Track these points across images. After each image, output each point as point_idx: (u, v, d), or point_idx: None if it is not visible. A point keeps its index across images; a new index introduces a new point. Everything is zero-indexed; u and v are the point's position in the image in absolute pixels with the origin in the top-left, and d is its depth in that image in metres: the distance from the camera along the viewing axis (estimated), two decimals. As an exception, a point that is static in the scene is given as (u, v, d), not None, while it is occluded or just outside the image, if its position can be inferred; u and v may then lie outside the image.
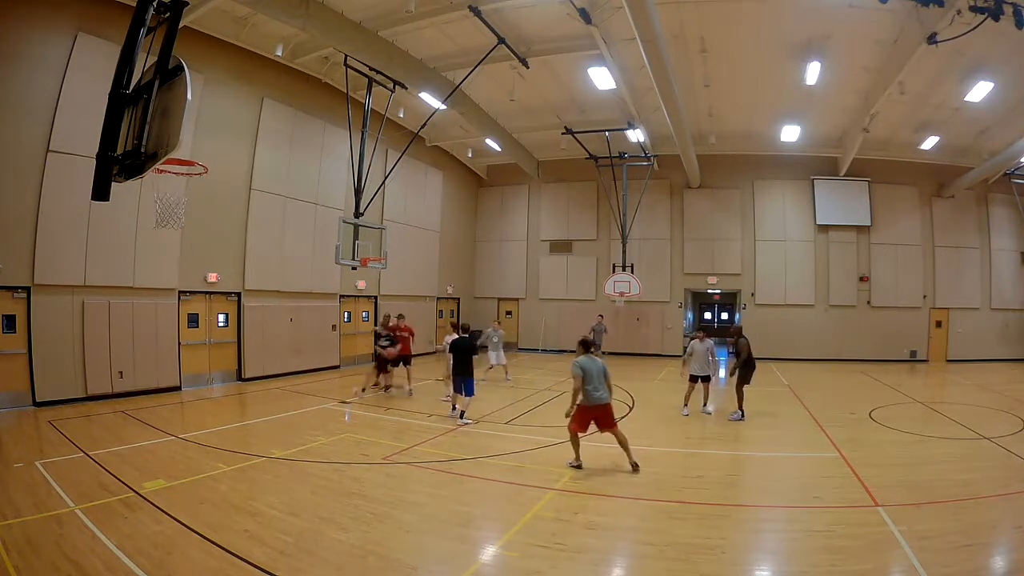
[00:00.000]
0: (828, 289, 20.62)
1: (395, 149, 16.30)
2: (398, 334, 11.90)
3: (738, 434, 9.16)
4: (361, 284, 17.25)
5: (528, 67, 13.54)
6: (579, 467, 6.87)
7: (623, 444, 6.88)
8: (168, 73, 4.45)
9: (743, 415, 9.96)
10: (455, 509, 5.62)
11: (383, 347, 11.66)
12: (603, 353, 16.74)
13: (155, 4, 4.50)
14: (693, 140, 18.00)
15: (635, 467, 6.76)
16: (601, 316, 17.92)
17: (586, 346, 7.13)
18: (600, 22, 11.52)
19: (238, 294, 13.40)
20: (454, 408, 9.57)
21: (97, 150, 4.27)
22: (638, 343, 21.46)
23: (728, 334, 10.41)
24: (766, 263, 21.05)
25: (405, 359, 12.02)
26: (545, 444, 8.03)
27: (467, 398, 9.45)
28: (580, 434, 6.95)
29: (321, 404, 10.87)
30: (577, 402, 6.84)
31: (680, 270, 21.79)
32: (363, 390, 11.66)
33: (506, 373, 14.28)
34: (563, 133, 18.13)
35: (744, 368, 10.09)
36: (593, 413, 6.83)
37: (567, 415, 6.88)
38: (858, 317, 20.41)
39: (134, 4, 4.49)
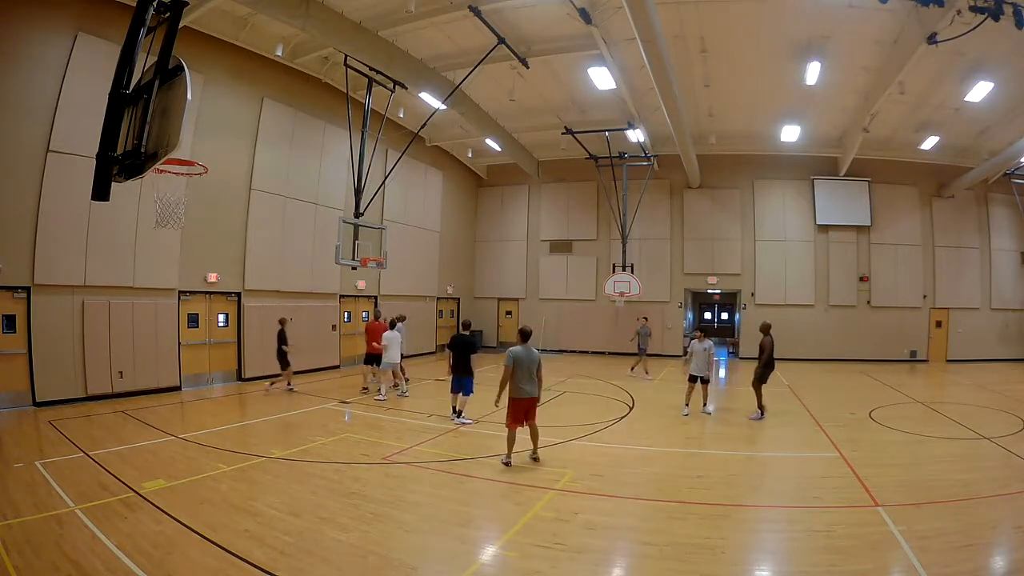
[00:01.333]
0: (828, 289, 20.62)
1: (395, 149, 16.30)
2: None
3: (738, 434, 9.16)
4: (361, 284, 17.25)
5: (528, 67, 13.54)
6: (509, 464, 6.93)
7: (534, 436, 7.21)
8: (168, 73, 4.44)
9: (763, 414, 9.98)
10: (455, 509, 5.62)
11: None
12: (648, 355, 16.26)
13: (155, 4, 4.49)
14: (693, 140, 18.00)
15: (536, 459, 7.16)
16: (646, 318, 17.09)
17: (524, 336, 7.18)
18: (600, 22, 11.53)
19: (238, 294, 13.40)
20: (454, 410, 9.54)
21: (97, 150, 4.27)
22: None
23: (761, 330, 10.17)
24: (766, 263, 21.05)
25: (374, 359, 11.89)
26: (545, 444, 8.01)
27: (464, 397, 9.43)
28: (517, 429, 7.05)
29: (321, 404, 10.87)
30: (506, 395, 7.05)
31: (680, 270, 21.79)
32: (364, 389, 11.79)
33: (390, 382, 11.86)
34: (563, 133, 18.12)
35: (764, 367, 9.97)
36: (524, 406, 7.02)
37: (496, 403, 7.15)
38: (858, 317, 20.42)
39: (134, 4, 4.49)
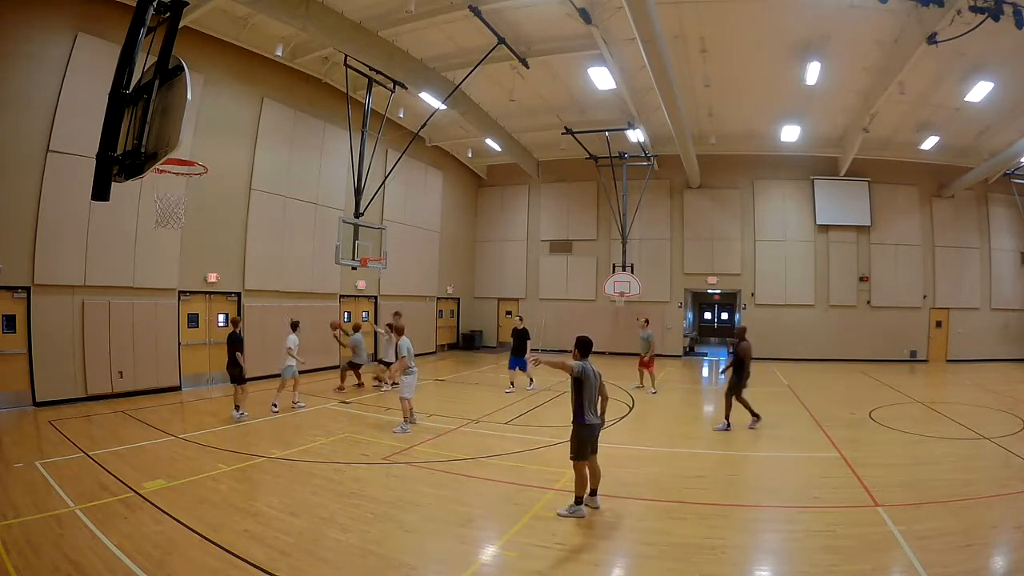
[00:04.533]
0: (828, 289, 20.62)
1: (395, 149, 16.30)
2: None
3: (738, 434, 9.15)
4: (361, 284, 17.25)
5: (528, 67, 13.54)
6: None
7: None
8: (168, 73, 4.44)
9: (728, 425, 9.22)
10: (455, 509, 5.61)
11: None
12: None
13: (155, 4, 4.48)
14: (693, 140, 18.00)
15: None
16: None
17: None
18: (600, 22, 11.53)
19: (238, 294, 13.40)
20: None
21: (97, 150, 4.27)
22: (638, 343, 21.39)
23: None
24: (766, 263, 21.05)
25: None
26: (545, 444, 8.03)
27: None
28: None
29: (321, 404, 10.86)
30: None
31: (680, 270, 21.79)
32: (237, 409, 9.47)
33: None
34: (563, 133, 18.12)
35: (738, 375, 9.23)
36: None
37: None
38: (858, 317, 20.41)
39: (134, 4, 4.48)
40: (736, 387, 9.26)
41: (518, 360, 12.60)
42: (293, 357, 10.03)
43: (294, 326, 10.41)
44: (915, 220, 20.35)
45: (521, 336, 12.80)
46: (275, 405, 10.04)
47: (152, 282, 11.47)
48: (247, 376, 9.62)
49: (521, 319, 13.84)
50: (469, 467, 7.00)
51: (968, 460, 7.46)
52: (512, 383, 12.83)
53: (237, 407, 9.43)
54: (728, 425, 9.21)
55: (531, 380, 12.92)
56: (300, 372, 10.41)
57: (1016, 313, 20.14)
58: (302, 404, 10.46)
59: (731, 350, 9.81)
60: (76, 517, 4.99)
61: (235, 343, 9.40)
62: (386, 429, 9.00)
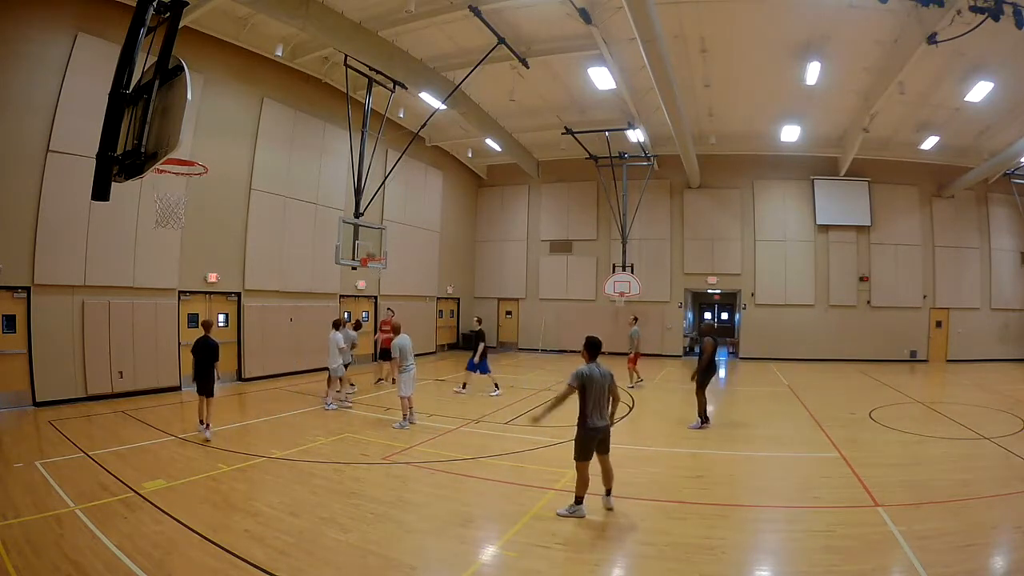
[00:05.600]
0: (828, 289, 20.62)
1: (395, 149, 16.30)
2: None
3: (738, 434, 9.16)
4: (361, 284, 17.25)
5: (528, 67, 13.54)
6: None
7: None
8: (168, 73, 4.44)
9: (701, 423, 9.46)
10: (455, 509, 5.61)
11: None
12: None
13: (155, 4, 4.48)
14: (693, 140, 18.00)
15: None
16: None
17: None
18: (600, 22, 11.53)
19: (238, 294, 13.40)
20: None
21: (97, 150, 4.27)
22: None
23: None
24: (766, 263, 21.05)
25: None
26: (545, 444, 8.03)
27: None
28: None
29: (321, 404, 10.85)
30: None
31: (680, 270, 21.79)
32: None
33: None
34: (563, 133, 18.12)
35: (704, 372, 9.47)
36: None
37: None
38: (858, 317, 20.41)
39: (134, 4, 4.48)
40: (704, 383, 9.56)
41: (474, 363, 12.25)
42: (343, 352, 10.53)
43: (336, 324, 10.86)
44: (915, 220, 20.36)
45: (476, 338, 12.42)
46: (329, 403, 10.48)
47: (152, 282, 11.47)
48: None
49: (479, 321, 13.42)
50: (469, 467, 7.00)
51: (968, 460, 7.46)
52: (464, 386, 12.48)
53: (207, 423, 8.09)
54: (706, 418, 9.55)
55: (496, 385, 12.31)
56: (303, 372, 10.63)
57: (1016, 313, 20.15)
58: (349, 403, 10.85)
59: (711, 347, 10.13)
60: (76, 517, 4.99)
61: (210, 352, 8.15)
62: (386, 429, 9.01)
